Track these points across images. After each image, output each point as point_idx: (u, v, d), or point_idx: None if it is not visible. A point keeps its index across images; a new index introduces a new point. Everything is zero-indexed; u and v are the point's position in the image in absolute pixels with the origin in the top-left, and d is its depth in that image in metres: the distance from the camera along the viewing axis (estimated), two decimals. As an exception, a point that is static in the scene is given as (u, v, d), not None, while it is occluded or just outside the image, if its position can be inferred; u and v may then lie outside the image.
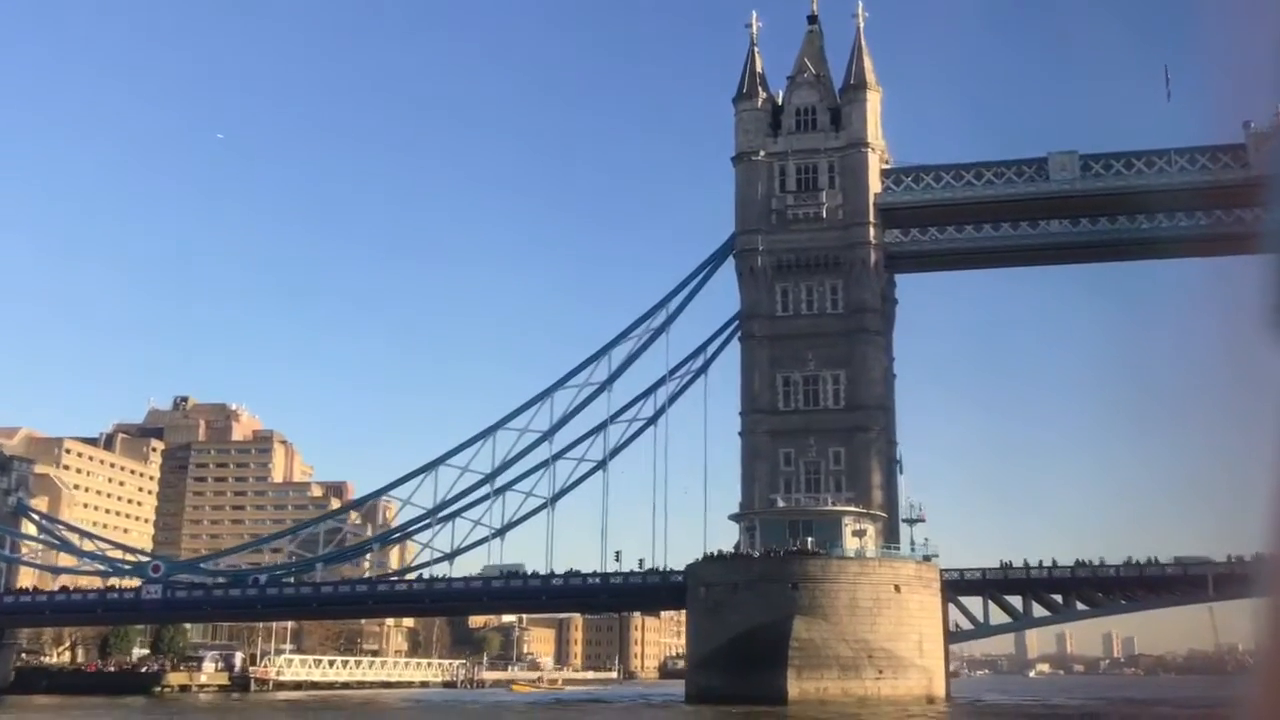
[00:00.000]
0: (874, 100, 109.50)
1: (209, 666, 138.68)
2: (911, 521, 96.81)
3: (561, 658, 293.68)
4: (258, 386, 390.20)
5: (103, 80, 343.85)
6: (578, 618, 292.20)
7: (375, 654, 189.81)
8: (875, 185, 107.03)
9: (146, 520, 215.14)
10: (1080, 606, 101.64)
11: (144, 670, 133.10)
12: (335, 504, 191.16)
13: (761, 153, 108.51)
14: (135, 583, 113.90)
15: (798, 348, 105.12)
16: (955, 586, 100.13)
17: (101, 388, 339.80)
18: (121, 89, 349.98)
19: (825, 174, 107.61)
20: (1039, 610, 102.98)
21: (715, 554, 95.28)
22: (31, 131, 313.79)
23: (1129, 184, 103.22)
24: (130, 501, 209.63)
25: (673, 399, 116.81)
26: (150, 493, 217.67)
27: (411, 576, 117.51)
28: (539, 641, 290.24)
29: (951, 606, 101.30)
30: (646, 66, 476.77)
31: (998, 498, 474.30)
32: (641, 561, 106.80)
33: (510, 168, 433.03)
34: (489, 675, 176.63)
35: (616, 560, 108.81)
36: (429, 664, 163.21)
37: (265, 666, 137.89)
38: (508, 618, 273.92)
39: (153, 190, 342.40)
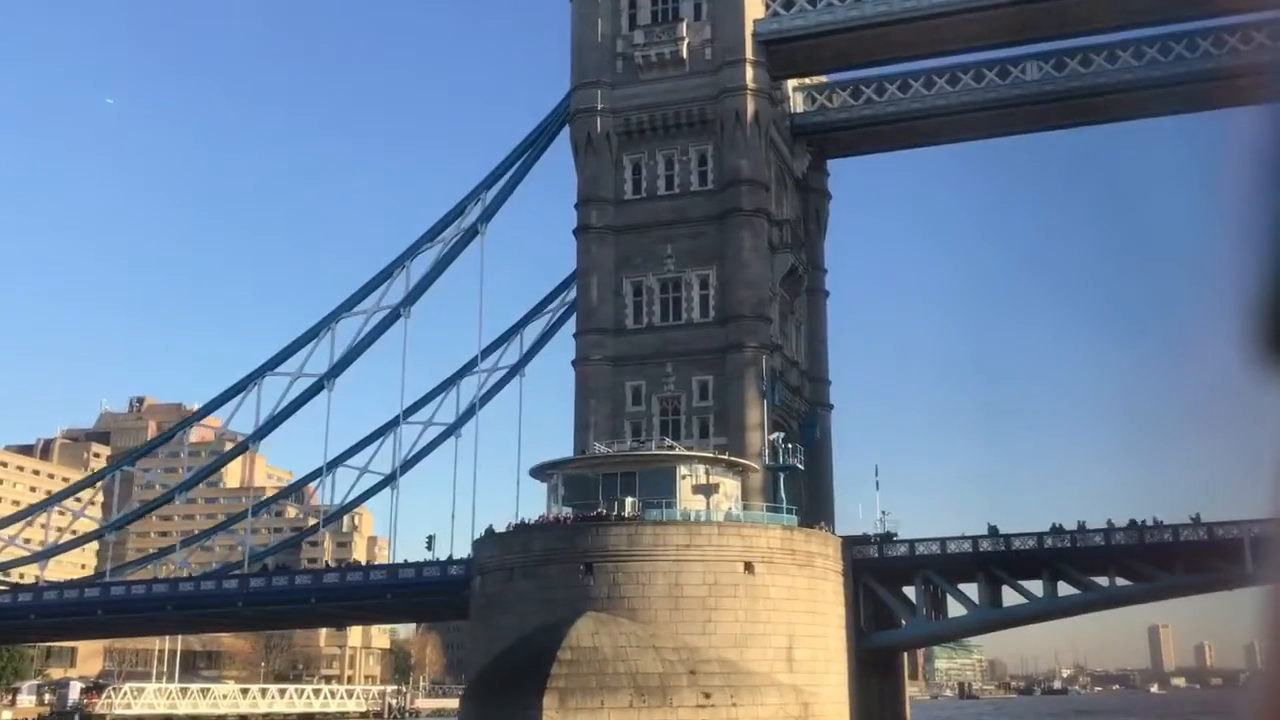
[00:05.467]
0: (754, -104, 79.03)
1: (26, 699, 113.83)
2: (780, 469, 65.38)
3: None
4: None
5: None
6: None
7: (334, 680, 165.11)
8: (756, 9, 76.34)
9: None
10: (1065, 591, 69.80)
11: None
12: (293, 512, 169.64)
13: (603, -21, 78.89)
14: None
15: (652, 241, 75.01)
16: (872, 568, 69.06)
17: (63, 391, 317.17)
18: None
19: (688, 1, 77.54)
20: (1014, 597, 71.80)
21: (503, 529, 65.50)
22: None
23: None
24: (62, 513, 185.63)
25: (542, 339, 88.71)
26: (94, 502, 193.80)
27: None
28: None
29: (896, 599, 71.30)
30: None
31: (974, 455, 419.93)
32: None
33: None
34: (424, 704, 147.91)
35: (429, 548, 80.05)
36: (349, 692, 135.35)
37: (98, 696, 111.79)
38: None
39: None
